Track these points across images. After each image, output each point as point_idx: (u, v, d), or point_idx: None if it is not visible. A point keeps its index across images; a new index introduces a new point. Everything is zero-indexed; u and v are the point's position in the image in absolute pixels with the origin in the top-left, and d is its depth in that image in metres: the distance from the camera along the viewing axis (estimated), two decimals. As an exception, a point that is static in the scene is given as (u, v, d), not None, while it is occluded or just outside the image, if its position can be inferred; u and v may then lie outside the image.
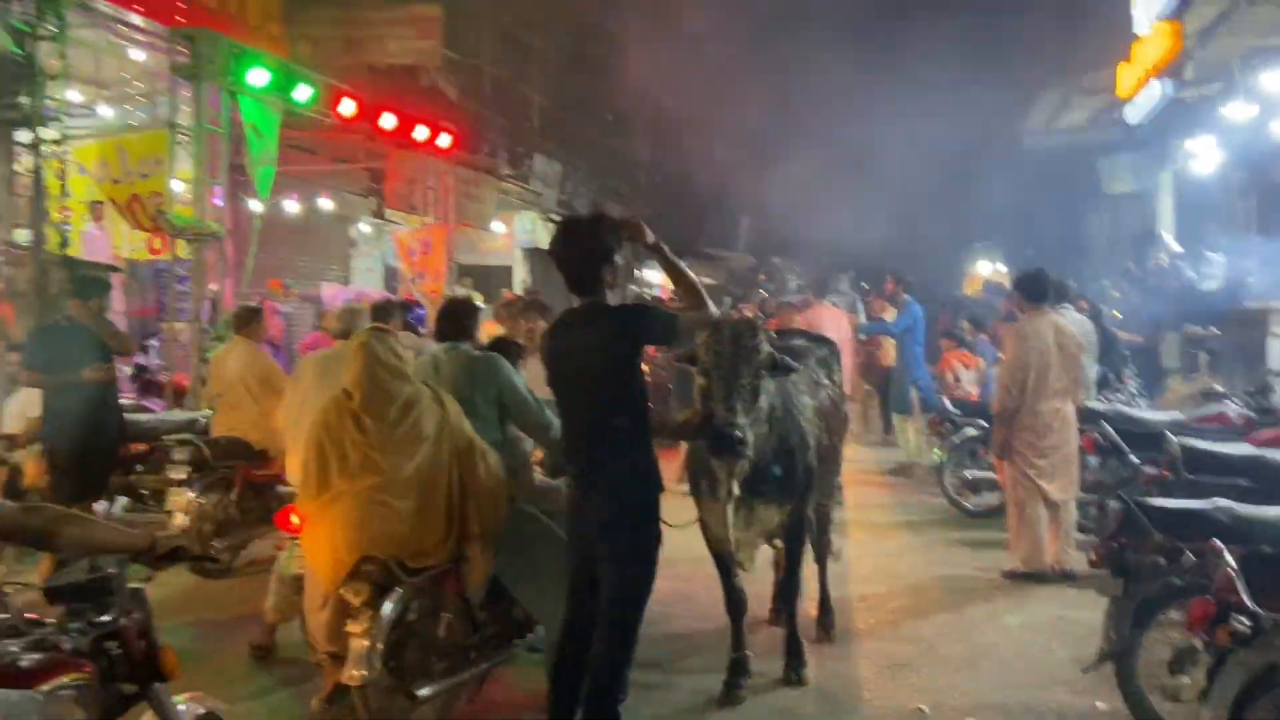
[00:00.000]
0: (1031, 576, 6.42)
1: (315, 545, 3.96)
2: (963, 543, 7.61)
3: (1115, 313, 11.27)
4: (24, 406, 6.91)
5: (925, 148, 21.12)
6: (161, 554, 2.60)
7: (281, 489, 5.82)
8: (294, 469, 4.87)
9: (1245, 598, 3.20)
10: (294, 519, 4.35)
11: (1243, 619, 3.19)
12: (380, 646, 3.66)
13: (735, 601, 4.82)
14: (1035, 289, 6.83)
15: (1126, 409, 7.60)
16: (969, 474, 8.41)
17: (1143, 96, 11.54)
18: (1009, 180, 19.00)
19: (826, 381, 5.37)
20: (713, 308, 3.90)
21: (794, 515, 4.83)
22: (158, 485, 6.61)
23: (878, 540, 7.68)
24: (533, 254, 19.66)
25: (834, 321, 9.98)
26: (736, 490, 4.47)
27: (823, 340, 5.92)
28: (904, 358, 10.67)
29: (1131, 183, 17.20)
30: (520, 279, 18.45)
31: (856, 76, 22.58)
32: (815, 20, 25.81)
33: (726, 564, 4.79)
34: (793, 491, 4.73)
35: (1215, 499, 4.18)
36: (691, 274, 3.85)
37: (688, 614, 5.77)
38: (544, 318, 5.43)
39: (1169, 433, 5.80)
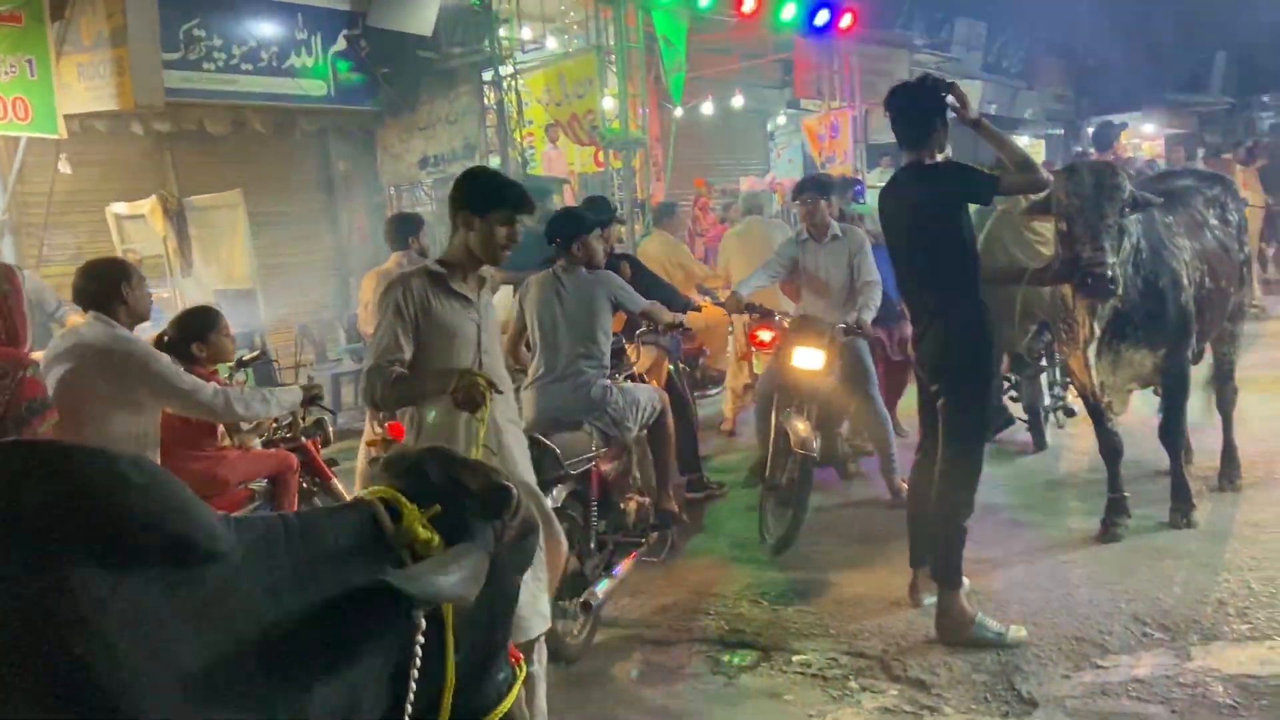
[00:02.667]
0: None
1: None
2: None
3: None
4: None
5: None
6: None
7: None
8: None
9: None
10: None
11: None
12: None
13: (1108, 445, 4.82)
14: None
15: None
16: None
17: None
18: None
19: (1215, 222, 4.99)
20: (1045, 174, 3.91)
21: (1170, 360, 4.68)
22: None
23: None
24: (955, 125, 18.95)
25: None
26: (1098, 332, 4.49)
27: (1215, 179, 5.44)
28: None
29: None
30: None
31: None
32: None
33: (1097, 408, 4.80)
34: (1164, 335, 4.58)
35: None
36: (1020, 148, 3.87)
37: (1071, 465, 5.77)
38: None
39: None
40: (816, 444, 4.95)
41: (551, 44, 12.78)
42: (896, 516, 4.76)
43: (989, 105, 18.54)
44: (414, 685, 1.44)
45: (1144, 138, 22.74)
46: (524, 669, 1.80)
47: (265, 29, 9.55)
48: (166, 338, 4.17)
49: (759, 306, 5.48)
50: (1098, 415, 4.83)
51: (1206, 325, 4.90)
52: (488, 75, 10.76)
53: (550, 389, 4.43)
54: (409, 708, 1.45)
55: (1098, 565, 4.44)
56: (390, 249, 6.54)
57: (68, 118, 8.06)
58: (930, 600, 4.04)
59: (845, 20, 12.39)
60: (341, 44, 10.09)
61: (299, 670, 1.30)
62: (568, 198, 11.88)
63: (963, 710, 3.35)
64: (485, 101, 10.77)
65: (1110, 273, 4.14)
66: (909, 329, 4.85)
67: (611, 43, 10.92)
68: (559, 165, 12.99)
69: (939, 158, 3.97)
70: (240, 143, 9.94)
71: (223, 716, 1.18)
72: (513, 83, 10.87)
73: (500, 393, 3.11)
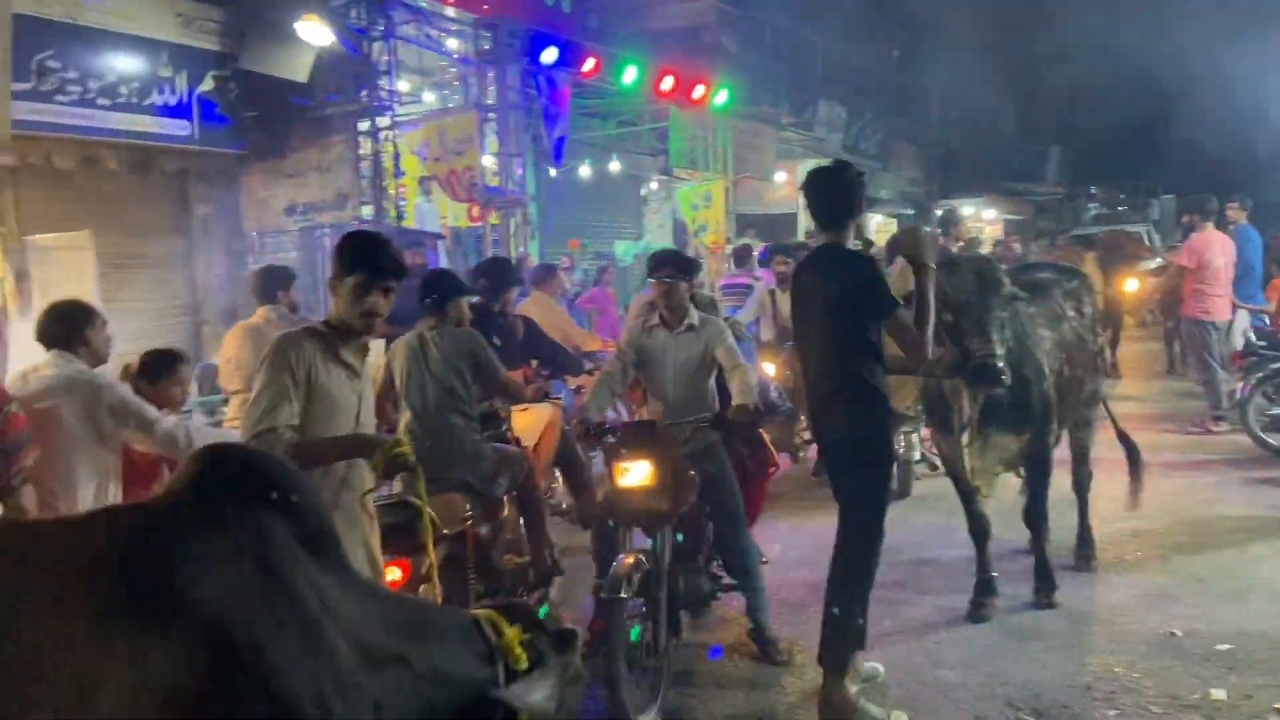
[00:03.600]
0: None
1: None
2: (1262, 481, 7.10)
3: None
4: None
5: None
6: None
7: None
8: None
9: None
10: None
11: None
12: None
13: (977, 526, 4.99)
14: None
15: None
16: (1278, 410, 7.75)
17: None
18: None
19: (1073, 314, 5.30)
20: (928, 353, 3.90)
21: (1034, 444, 4.90)
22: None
23: (1164, 478, 7.31)
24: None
25: (1223, 247, 8.87)
26: (973, 419, 4.68)
27: (1073, 273, 5.81)
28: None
29: None
30: (804, 227, 18.64)
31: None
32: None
33: (968, 491, 4.97)
34: (1029, 421, 4.80)
35: None
36: (931, 320, 3.87)
37: (942, 544, 5.95)
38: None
39: None
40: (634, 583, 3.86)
41: (429, 97, 12.68)
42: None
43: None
44: None
45: (986, 221, 24.22)
46: None
47: (126, 64, 9.07)
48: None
49: (602, 426, 4.54)
50: (968, 498, 5.00)
51: (1065, 411, 5.17)
52: (364, 125, 10.54)
53: (422, 448, 4.27)
54: None
55: (968, 646, 4.55)
56: (257, 302, 6.25)
57: (-102, 144, 7.41)
58: (855, 688, 3.93)
59: (722, 96, 12.78)
60: (210, 84, 9.69)
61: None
62: (440, 253, 11.73)
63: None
64: (360, 151, 10.53)
65: (1000, 363, 4.30)
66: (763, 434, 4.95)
67: (491, 101, 10.91)
68: (432, 218, 12.80)
69: (853, 244, 4.06)
70: (92, 180, 9.34)
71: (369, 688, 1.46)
72: (390, 134, 10.68)
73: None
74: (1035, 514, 5.06)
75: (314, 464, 2.97)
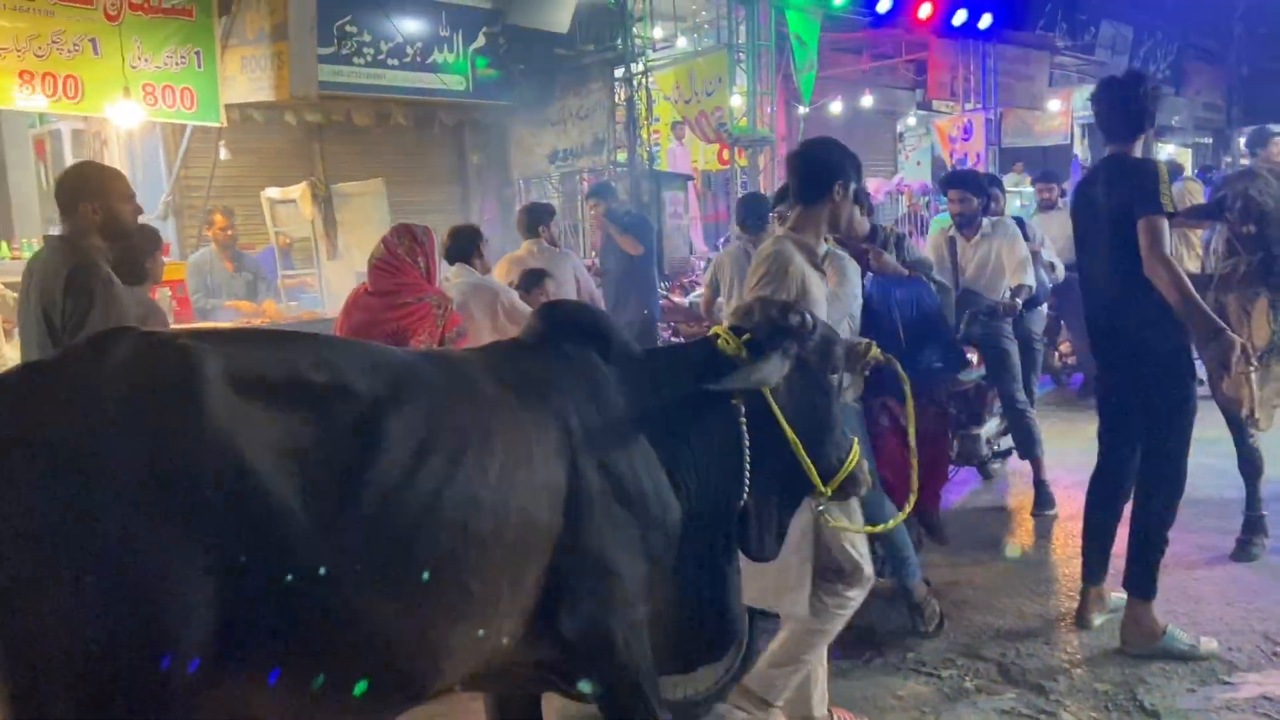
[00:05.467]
0: None
1: None
2: None
3: None
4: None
5: None
6: None
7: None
8: None
9: None
10: None
11: None
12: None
13: (1248, 461, 4.66)
14: None
15: None
16: None
17: None
18: None
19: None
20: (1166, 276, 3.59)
21: None
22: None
23: None
24: (1091, 130, 18.27)
25: None
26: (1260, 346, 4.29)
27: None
28: None
29: None
30: (1082, 158, 17.38)
31: None
32: None
33: (1239, 423, 4.64)
34: None
35: None
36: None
37: (1213, 484, 5.56)
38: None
39: None
40: None
41: (682, 43, 12.91)
42: (1042, 523, 4.97)
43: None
44: (747, 452, 2.34)
45: (1301, 148, 21.42)
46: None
47: (411, 25, 9.96)
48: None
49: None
50: (1242, 432, 4.66)
51: None
52: (619, 72, 10.96)
53: None
54: (747, 465, 2.34)
55: (1229, 584, 4.31)
56: (522, 238, 6.77)
57: (228, 107, 8.60)
58: (1100, 620, 3.95)
59: (984, 20, 12.15)
60: (482, 41, 10.43)
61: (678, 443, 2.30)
62: (691, 195, 12.04)
63: (1082, 718, 3.32)
64: (615, 98, 10.98)
65: None
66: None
67: (742, 41, 10.98)
68: (684, 162, 13.11)
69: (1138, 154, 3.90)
70: (384, 134, 10.40)
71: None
72: (643, 80, 11.05)
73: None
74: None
75: None
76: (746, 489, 2.35)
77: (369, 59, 9.65)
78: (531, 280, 5.44)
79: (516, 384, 2.09)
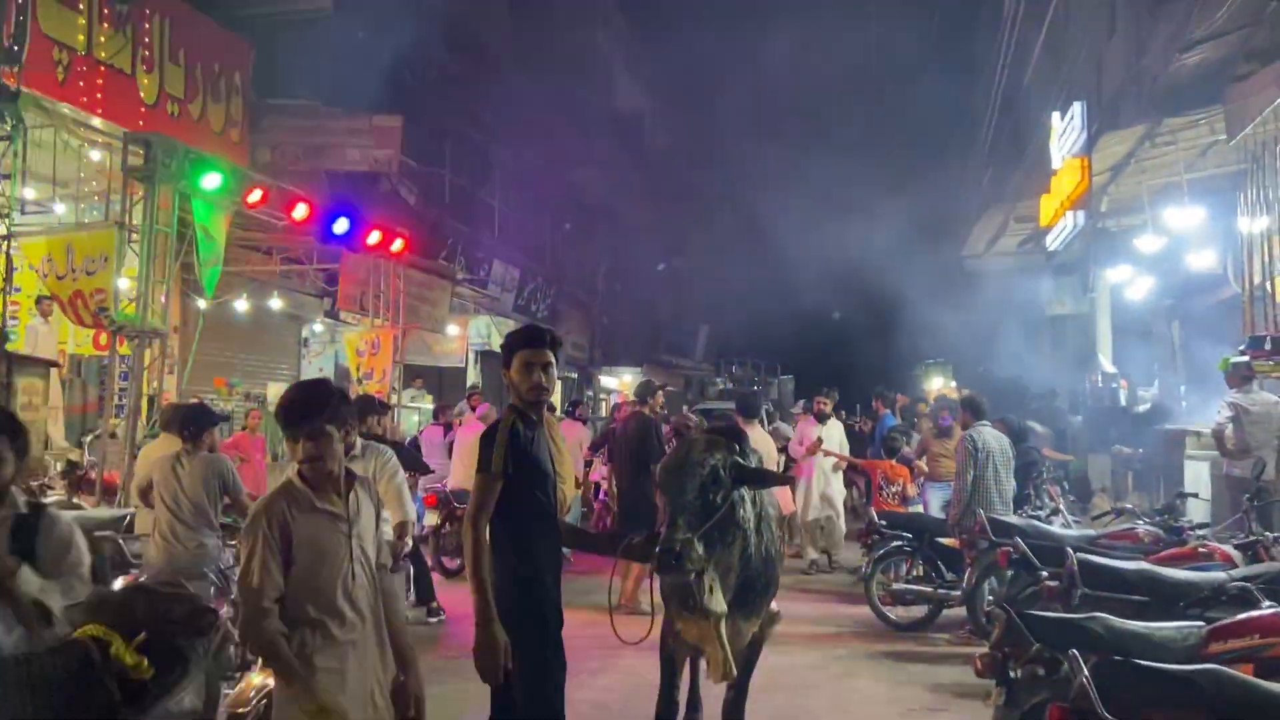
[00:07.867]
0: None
1: None
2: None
3: (1038, 426, 11.51)
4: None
5: (877, 269, 21.93)
6: None
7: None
8: None
9: (1097, 705, 3.29)
10: None
11: (1094, 726, 3.27)
12: None
13: (669, 709, 4.72)
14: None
15: (1041, 524, 7.78)
16: (896, 586, 8.48)
17: (1059, 226, 12.14)
18: (956, 300, 19.68)
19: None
20: None
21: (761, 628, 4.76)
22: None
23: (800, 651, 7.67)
24: (485, 357, 19.83)
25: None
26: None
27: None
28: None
29: (1069, 305, 17.97)
30: (471, 380, 18.57)
31: (809, 206, 23.76)
32: (771, 153, 27.19)
33: (673, 670, 4.74)
34: (766, 603, 4.67)
35: (1095, 612, 4.33)
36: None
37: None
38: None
39: (1070, 549, 5.95)
40: None
41: (60, 209, 11.25)
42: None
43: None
44: None
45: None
46: None
47: None
48: None
49: None
50: (671, 675, 4.77)
51: None
52: (-28, 231, 9.09)
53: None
54: None
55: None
56: None
57: None
58: None
59: (397, 244, 12.54)
60: None
61: None
62: (53, 382, 10.23)
63: None
64: (-37, 260, 9.03)
65: (678, 549, 3.96)
66: None
67: (138, 222, 9.83)
68: (48, 344, 11.21)
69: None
70: None
71: None
72: (4, 245, 9.29)
73: None
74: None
75: None
76: None
77: None
78: None
79: None
